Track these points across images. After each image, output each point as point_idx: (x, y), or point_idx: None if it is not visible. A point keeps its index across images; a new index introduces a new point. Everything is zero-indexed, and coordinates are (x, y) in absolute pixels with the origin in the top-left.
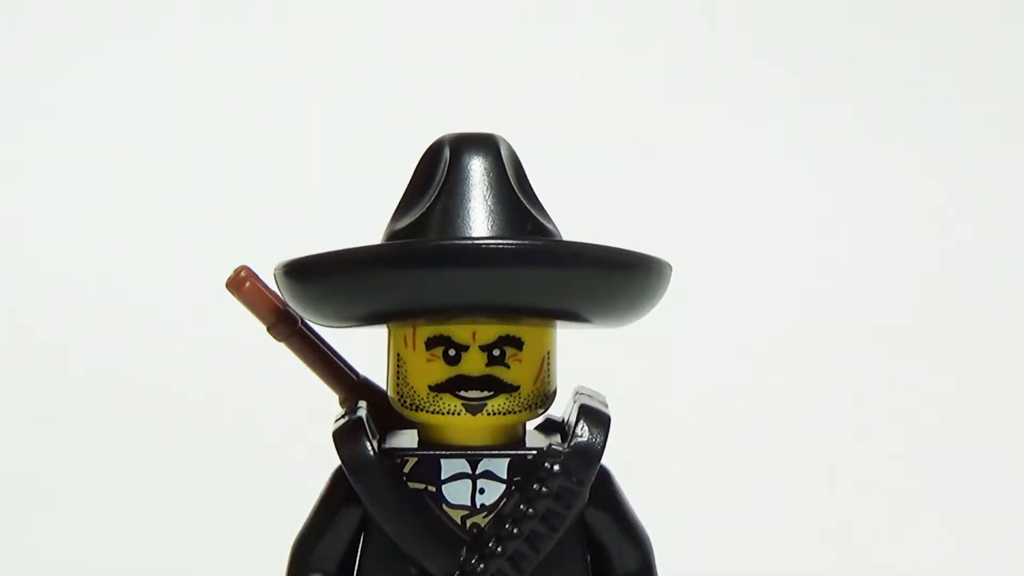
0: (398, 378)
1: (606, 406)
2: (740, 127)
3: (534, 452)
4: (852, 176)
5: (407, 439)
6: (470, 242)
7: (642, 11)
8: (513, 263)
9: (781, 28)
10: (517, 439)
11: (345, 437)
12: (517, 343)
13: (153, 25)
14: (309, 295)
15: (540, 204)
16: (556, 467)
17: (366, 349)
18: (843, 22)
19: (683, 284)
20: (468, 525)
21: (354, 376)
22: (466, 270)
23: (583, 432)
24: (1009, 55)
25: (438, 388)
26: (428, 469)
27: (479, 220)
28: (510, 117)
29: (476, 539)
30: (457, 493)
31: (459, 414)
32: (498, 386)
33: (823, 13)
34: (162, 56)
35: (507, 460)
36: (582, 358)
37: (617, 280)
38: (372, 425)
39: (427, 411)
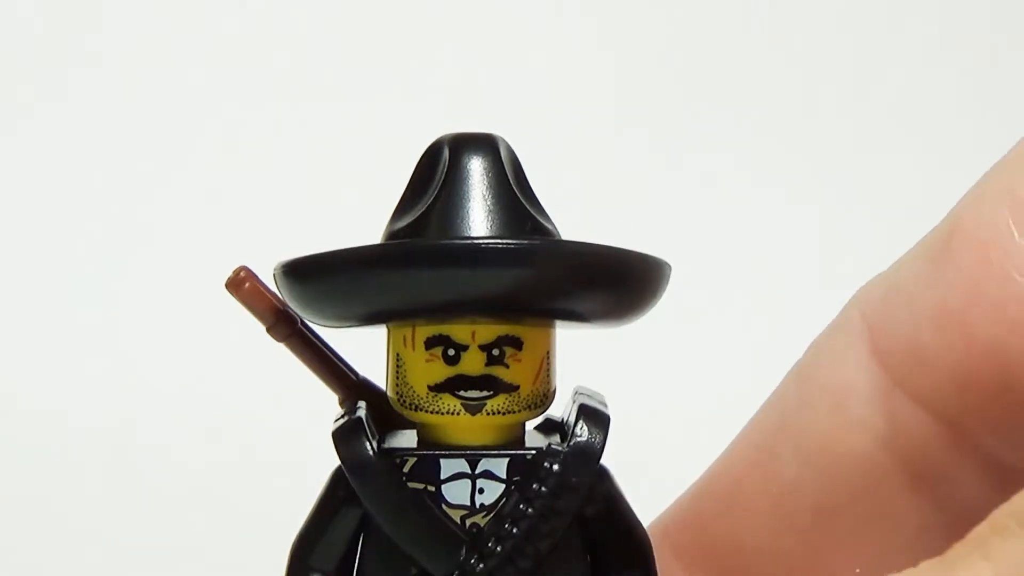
0: (397, 378)
1: (606, 406)
2: (741, 127)
3: (533, 452)
4: (850, 182)
5: (407, 439)
6: (469, 242)
7: (643, 12)
8: (512, 263)
9: (780, 27)
10: (516, 439)
11: (345, 437)
12: (516, 343)
13: (154, 28)
14: (309, 295)
15: (539, 204)
16: (555, 467)
17: (366, 349)
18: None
19: (683, 284)
20: (467, 525)
21: (354, 376)
22: (465, 270)
23: (582, 432)
24: None
25: (437, 388)
26: (427, 469)
27: (478, 220)
28: (510, 117)
29: (475, 539)
30: (456, 493)
31: (458, 414)
32: (497, 386)
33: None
34: (161, 57)
35: (506, 460)
36: (582, 358)
37: (616, 280)
38: (372, 425)
39: (426, 411)
